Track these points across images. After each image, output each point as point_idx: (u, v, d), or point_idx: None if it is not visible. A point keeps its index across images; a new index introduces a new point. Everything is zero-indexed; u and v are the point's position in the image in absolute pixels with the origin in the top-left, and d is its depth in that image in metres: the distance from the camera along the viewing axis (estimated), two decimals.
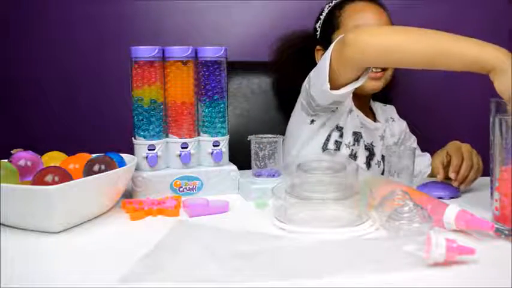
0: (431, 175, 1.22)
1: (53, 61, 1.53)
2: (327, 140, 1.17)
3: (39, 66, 1.53)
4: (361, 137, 1.20)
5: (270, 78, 1.41)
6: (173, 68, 0.95)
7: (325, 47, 1.24)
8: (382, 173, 1.21)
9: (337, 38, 1.01)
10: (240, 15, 1.56)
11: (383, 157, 1.24)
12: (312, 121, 1.17)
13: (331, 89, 1.02)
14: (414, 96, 1.52)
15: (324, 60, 1.02)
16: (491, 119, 0.76)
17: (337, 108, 1.15)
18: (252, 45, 1.53)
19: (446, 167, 1.03)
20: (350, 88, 1.02)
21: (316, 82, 1.08)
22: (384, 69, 1.21)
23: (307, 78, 1.14)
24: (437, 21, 1.51)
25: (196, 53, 0.96)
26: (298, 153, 1.20)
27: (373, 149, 1.23)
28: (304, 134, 1.19)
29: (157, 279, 0.59)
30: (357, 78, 1.02)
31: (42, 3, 1.51)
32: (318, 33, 1.31)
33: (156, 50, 0.93)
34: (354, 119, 1.20)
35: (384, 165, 1.21)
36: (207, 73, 0.97)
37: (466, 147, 1.04)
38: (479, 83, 1.52)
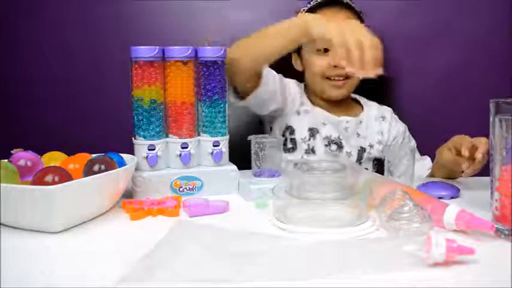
0: (431, 175, 1.22)
1: (53, 61, 1.53)
2: (285, 140, 1.29)
3: (39, 66, 1.53)
4: (318, 132, 1.29)
5: None
6: (173, 68, 0.95)
7: (297, 51, 1.36)
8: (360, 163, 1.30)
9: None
10: (239, 15, 1.56)
11: (362, 149, 1.31)
12: (271, 128, 1.33)
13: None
14: (414, 97, 1.52)
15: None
16: (491, 119, 0.76)
17: (283, 111, 1.29)
18: None
19: (457, 153, 1.03)
20: (251, 97, 1.17)
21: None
22: (346, 78, 1.27)
23: None
24: (437, 21, 1.52)
25: (196, 53, 0.96)
26: None
27: (340, 142, 1.30)
28: None
29: (157, 279, 0.59)
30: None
31: (42, 3, 1.51)
32: None
33: (156, 50, 0.93)
34: (308, 117, 1.30)
35: (357, 156, 1.31)
36: (207, 73, 0.97)
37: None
38: (479, 83, 1.53)
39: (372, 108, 1.38)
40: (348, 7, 1.30)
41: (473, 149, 0.99)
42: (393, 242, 0.67)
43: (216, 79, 0.97)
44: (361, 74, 0.93)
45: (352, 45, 0.91)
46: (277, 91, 1.24)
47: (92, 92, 1.54)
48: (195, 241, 0.69)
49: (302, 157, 1.27)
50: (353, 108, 1.38)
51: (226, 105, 1.00)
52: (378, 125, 1.36)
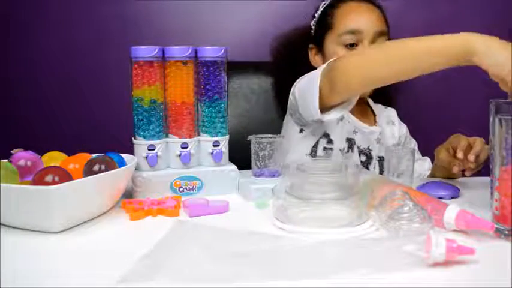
0: (432, 175, 1.22)
1: (53, 61, 1.53)
2: (315, 147, 1.19)
3: (39, 66, 1.53)
4: (354, 143, 1.21)
5: (270, 78, 1.41)
6: (173, 68, 0.95)
7: (318, 46, 1.27)
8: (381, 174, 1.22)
9: (325, 63, 1.03)
10: (240, 15, 1.56)
11: (380, 159, 1.25)
12: (301, 130, 1.21)
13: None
14: (414, 98, 1.52)
15: (312, 84, 1.03)
16: (491, 119, 0.76)
17: None
18: (252, 45, 1.53)
19: (453, 154, 1.03)
20: (338, 114, 1.05)
21: (304, 103, 1.09)
22: None
23: (292, 89, 1.15)
24: (437, 21, 1.52)
25: (196, 53, 0.96)
26: (289, 160, 1.20)
27: (370, 153, 1.23)
28: (294, 141, 1.22)
29: (157, 279, 0.59)
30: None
31: (42, 3, 1.51)
32: (313, 31, 1.30)
33: (156, 50, 0.93)
34: (345, 126, 1.21)
35: (379, 167, 1.23)
36: (207, 73, 0.97)
37: (469, 137, 1.05)
38: (479, 83, 1.52)
39: (381, 112, 1.34)
40: (369, 1, 1.25)
41: (468, 150, 1.00)
42: (393, 242, 0.67)
43: (216, 79, 0.97)
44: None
45: None
46: None
47: (92, 92, 1.55)
48: (195, 241, 0.69)
49: None
50: (368, 113, 1.32)
51: (226, 105, 1.00)
52: (390, 129, 1.32)
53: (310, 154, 1.19)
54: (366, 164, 1.22)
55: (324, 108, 1.04)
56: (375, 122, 1.29)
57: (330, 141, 1.19)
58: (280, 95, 1.39)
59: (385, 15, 1.25)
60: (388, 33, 1.23)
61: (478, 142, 1.01)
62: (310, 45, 1.30)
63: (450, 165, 1.04)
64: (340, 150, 1.19)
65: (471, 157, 0.98)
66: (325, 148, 1.19)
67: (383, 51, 0.95)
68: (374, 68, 0.94)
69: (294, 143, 1.21)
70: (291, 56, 1.34)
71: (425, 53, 0.87)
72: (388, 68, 0.92)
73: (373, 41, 1.19)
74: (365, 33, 1.19)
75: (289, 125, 1.24)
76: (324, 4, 1.29)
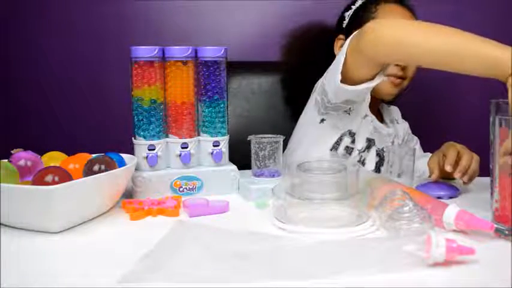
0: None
1: (53, 61, 1.53)
2: (337, 143, 1.14)
3: (39, 66, 1.53)
4: (374, 144, 1.18)
5: (271, 78, 1.40)
6: (173, 68, 0.95)
7: (342, 32, 1.24)
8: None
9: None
10: (240, 15, 1.56)
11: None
12: (322, 120, 1.15)
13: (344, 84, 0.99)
14: (414, 97, 1.52)
15: (341, 53, 0.99)
16: (491, 119, 0.76)
17: (350, 109, 1.12)
18: (252, 45, 1.53)
19: (442, 167, 1.02)
20: (363, 86, 0.99)
21: (331, 76, 1.05)
22: (402, 78, 1.19)
23: (325, 73, 1.11)
24: (437, 20, 1.52)
25: (196, 53, 0.96)
26: (305, 153, 1.17)
27: (383, 155, 1.20)
28: (313, 134, 1.18)
29: (157, 279, 0.59)
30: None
31: (42, 3, 1.51)
32: (346, 22, 1.27)
33: (156, 50, 0.93)
34: (368, 125, 1.18)
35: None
36: (207, 73, 0.97)
37: (461, 146, 1.04)
38: (479, 83, 1.52)
39: (386, 111, 1.33)
40: (408, 8, 1.22)
41: (457, 163, 0.99)
42: (393, 242, 0.67)
43: (216, 79, 0.97)
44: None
45: None
46: None
47: (92, 92, 1.55)
48: (195, 241, 0.69)
49: None
50: (378, 114, 1.29)
51: (226, 105, 1.00)
52: (394, 128, 1.31)
53: (331, 150, 1.14)
54: (378, 165, 1.19)
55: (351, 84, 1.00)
56: (382, 121, 1.28)
57: (353, 141, 1.15)
58: (290, 92, 1.38)
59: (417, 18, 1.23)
60: None
61: (464, 158, 0.98)
62: (340, 36, 1.26)
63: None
64: (358, 150, 1.15)
65: (457, 174, 0.97)
66: (347, 147, 1.15)
67: (426, 34, 0.87)
68: (407, 31, 0.89)
69: (312, 135, 1.17)
70: (305, 51, 1.32)
71: (470, 55, 0.80)
72: (424, 50, 0.86)
73: None
74: None
75: (311, 115, 1.18)
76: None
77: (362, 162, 1.17)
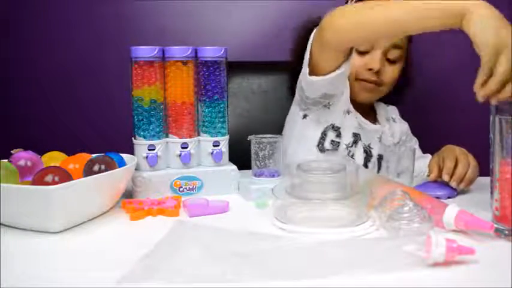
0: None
1: (53, 61, 1.53)
2: (322, 138, 1.17)
3: (39, 66, 1.53)
4: (360, 139, 1.21)
5: (271, 78, 1.40)
6: (173, 68, 0.95)
7: None
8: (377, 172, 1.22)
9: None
10: (240, 15, 1.56)
11: (379, 157, 1.24)
12: (305, 116, 1.19)
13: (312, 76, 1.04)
14: (414, 97, 1.52)
15: (307, 47, 1.04)
16: (491, 119, 0.76)
17: (329, 103, 1.16)
18: (252, 45, 1.53)
19: (441, 169, 1.02)
20: (329, 76, 1.04)
21: (303, 71, 1.09)
22: (377, 84, 1.21)
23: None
24: None
25: (196, 53, 0.96)
26: (294, 152, 1.20)
27: (370, 151, 1.23)
28: (297, 130, 1.20)
29: (157, 279, 0.59)
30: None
31: (42, 3, 1.51)
32: None
33: (156, 50, 0.93)
34: (352, 120, 1.20)
35: (379, 165, 1.23)
36: (207, 73, 0.97)
37: (460, 150, 1.04)
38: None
39: (382, 110, 1.34)
40: None
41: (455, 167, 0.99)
42: (393, 242, 0.67)
43: (216, 79, 0.97)
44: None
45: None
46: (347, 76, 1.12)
47: (92, 92, 1.55)
48: (195, 241, 0.69)
49: None
50: (370, 111, 1.31)
51: (226, 105, 1.00)
52: (390, 127, 1.32)
53: (318, 146, 1.18)
54: (365, 162, 1.22)
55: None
56: (376, 120, 1.29)
57: (338, 135, 1.18)
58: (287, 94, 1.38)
59: None
60: (404, 46, 1.21)
61: (460, 165, 0.99)
62: None
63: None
64: (345, 145, 1.18)
65: (453, 183, 0.98)
66: (332, 142, 1.17)
67: (380, 7, 0.93)
68: (360, 12, 0.95)
69: (297, 131, 1.20)
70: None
71: (422, 8, 0.87)
72: (383, 21, 0.92)
73: (385, 53, 1.19)
74: (379, 43, 1.17)
75: (294, 112, 1.22)
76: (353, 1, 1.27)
77: (351, 157, 1.19)
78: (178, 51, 0.94)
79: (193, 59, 0.96)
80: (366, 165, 1.21)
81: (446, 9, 0.83)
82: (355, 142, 1.20)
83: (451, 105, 1.57)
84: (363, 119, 1.23)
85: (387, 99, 1.35)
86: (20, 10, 1.51)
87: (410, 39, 1.25)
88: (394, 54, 1.19)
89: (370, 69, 1.19)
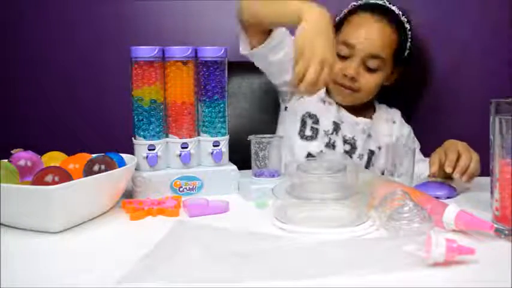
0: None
1: (53, 61, 1.53)
2: (303, 126, 1.25)
3: (39, 66, 1.53)
4: (340, 129, 1.25)
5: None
6: (173, 68, 0.95)
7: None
8: (367, 167, 1.27)
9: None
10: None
11: (370, 152, 1.28)
12: (286, 108, 1.30)
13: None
14: (414, 97, 1.52)
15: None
16: (491, 119, 0.76)
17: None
18: None
19: (443, 163, 1.02)
20: (256, 50, 1.17)
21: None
22: (353, 90, 1.22)
23: None
24: (437, 21, 1.52)
25: (196, 53, 0.96)
26: (288, 144, 1.25)
27: (354, 144, 1.26)
28: (284, 122, 1.30)
29: (157, 279, 0.59)
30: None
31: (42, 3, 1.51)
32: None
33: (156, 50, 0.93)
34: (331, 109, 1.26)
35: (367, 160, 1.27)
36: (207, 73, 0.97)
37: (462, 144, 1.04)
38: (479, 83, 1.53)
39: (382, 110, 1.35)
40: (389, 19, 1.22)
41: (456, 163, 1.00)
42: (393, 242, 0.67)
43: (216, 79, 0.97)
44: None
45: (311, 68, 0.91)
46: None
47: (92, 92, 1.54)
48: (195, 241, 0.69)
49: (321, 150, 1.23)
50: (366, 109, 1.32)
51: (226, 105, 1.00)
52: (387, 127, 1.33)
53: (299, 134, 1.24)
54: (350, 154, 1.26)
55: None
56: (370, 118, 1.30)
57: (316, 122, 1.25)
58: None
59: (398, 39, 1.23)
60: (387, 56, 1.22)
61: (463, 157, 0.99)
62: None
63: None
64: (324, 131, 1.24)
65: (456, 174, 0.98)
66: (312, 128, 1.24)
67: None
68: (250, 7, 1.10)
69: (282, 122, 1.30)
70: None
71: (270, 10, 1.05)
72: (259, 8, 1.08)
73: (363, 61, 1.20)
74: (357, 51, 1.19)
75: (281, 106, 1.33)
76: (352, 5, 1.27)
77: (332, 145, 1.24)
78: (178, 51, 0.94)
79: (193, 59, 0.96)
80: (350, 157, 1.25)
81: (287, 10, 0.99)
82: (335, 130, 1.25)
83: (451, 105, 1.57)
84: (343, 111, 1.27)
85: (392, 101, 1.36)
86: (20, 10, 1.51)
87: (403, 25, 1.25)
88: (373, 63, 1.21)
89: (345, 75, 1.21)
